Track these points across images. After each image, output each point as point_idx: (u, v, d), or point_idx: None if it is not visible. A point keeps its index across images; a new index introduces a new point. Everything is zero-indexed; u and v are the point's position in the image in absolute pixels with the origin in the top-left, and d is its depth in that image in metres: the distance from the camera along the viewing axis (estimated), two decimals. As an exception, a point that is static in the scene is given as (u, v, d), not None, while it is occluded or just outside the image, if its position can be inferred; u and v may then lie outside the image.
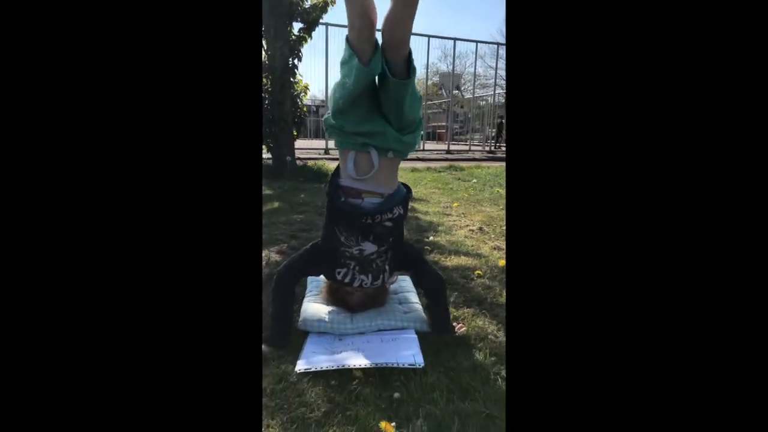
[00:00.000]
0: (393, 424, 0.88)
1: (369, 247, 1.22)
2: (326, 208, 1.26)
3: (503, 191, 3.75)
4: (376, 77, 1.12)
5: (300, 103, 4.60)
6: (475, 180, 4.43)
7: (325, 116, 1.27)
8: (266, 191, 3.48)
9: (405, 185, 1.32)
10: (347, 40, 1.10)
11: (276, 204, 2.97)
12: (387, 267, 1.30)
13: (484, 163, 7.26)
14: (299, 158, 4.75)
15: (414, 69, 1.12)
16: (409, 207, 1.38)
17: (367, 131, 1.18)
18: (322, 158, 6.24)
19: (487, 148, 10.71)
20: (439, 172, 5.53)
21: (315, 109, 13.20)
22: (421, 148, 9.79)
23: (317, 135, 12.84)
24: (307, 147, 7.53)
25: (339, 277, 1.28)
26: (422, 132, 1.29)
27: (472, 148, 10.85)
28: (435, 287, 1.30)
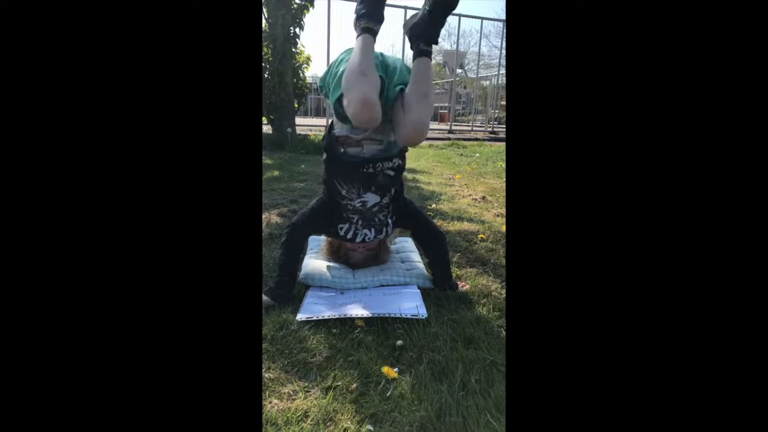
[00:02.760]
0: (396, 369, 0.86)
1: (372, 198, 1.19)
2: (325, 162, 1.22)
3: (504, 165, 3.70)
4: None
5: (302, 74, 4.51)
6: (477, 155, 4.37)
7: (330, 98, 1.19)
8: (266, 161, 3.43)
9: None
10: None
11: (276, 173, 2.93)
12: (389, 221, 1.27)
13: (486, 143, 7.19)
14: (300, 134, 4.69)
15: None
16: (412, 178, 1.33)
17: None
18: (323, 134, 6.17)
19: (490, 129, 10.60)
20: (441, 149, 5.47)
21: (317, 87, 13.00)
22: (423, 127, 9.65)
23: (318, 113, 12.70)
24: (308, 124, 7.44)
25: (342, 233, 1.25)
26: None
27: (475, 128, 10.74)
28: (436, 241, 1.27)
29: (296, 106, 4.50)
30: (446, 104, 13.13)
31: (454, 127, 9.96)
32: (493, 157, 4.36)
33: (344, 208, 1.22)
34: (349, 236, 1.25)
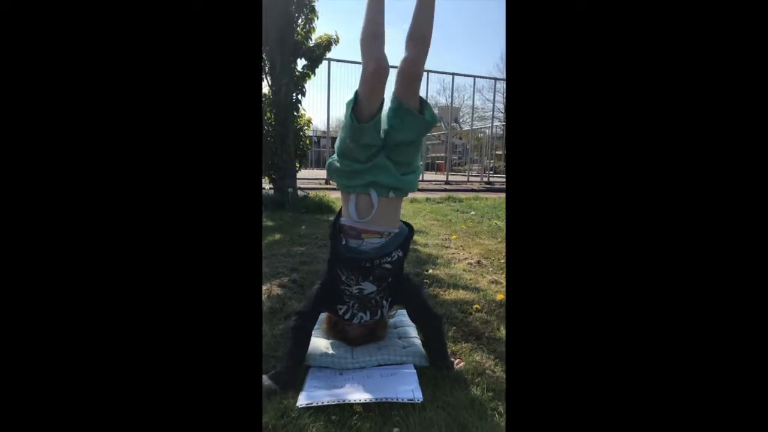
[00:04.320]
0: (392, 460, 0.90)
1: (368, 287, 1.27)
2: (330, 248, 1.31)
3: (501, 223, 3.80)
4: (392, 112, 1.22)
5: (303, 136, 4.73)
6: (473, 212, 4.49)
7: (329, 160, 1.33)
8: (268, 223, 3.53)
9: (407, 224, 1.37)
10: (356, 93, 1.18)
11: (277, 236, 3.02)
12: (385, 303, 1.34)
13: (482, 194, 7.37)
14: (300, 188, 4.86)
15: (429, 109, 1.23)
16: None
17: (372, 167, 1.23)
18: (323, 188, 6.43)
19: (485, 179, 10.86)
20: (438, 203, 5.61)
21: (317, 140, 13.48)
22: (420, 178, 9.92)
23: (318, 165, 13.02)
24: (308, 177, 7.67)
25: (340, 313, 1.32)
26: (421, 171, 1.35)
27: (471, 178, 11.00)
28: (431, 323, 1.32)
29: (297, 165, 4.67)
30: (442, 154, 13.51)
31: (450, 178, 10.23)
32: (489, 214, 4.48)
33: (343, 292, 1.29)
34: (346, 317, 1.32)
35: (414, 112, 1.20)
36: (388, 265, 1.25)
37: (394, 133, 1.23)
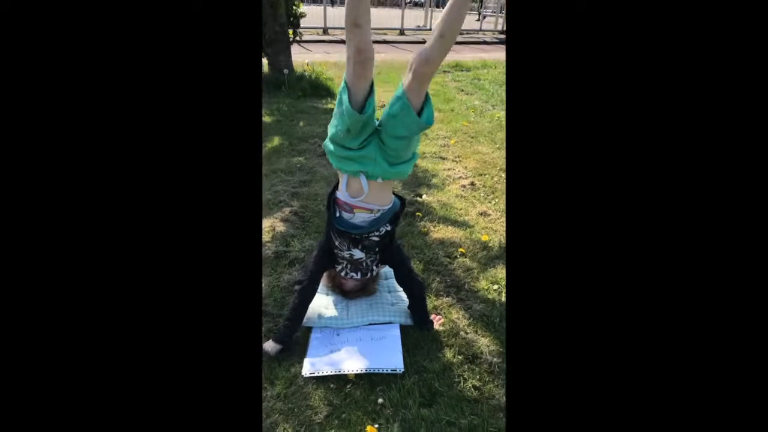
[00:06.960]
0: (376, 426, 1.19)
1: (358, 254, 1.45)
2: (326, 216, 1.45)
3: (502, 116, 3.71)
4: (395, 99, 1.22)
5: (296, 2, 4.21)
6: (477, 102, 4.29)
7: (324, 142, 1.37)
8: (265, 118, 3.45)
9: (400, 198, 1.46)
10: (345, 78, 1.19)
11: (275, 141, 3.02)
12: (375, 267, 1.53)
13: (491, 56, 6.85)
14: (300, 42, 4.48)
15: (430, 109, 1.22)
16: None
17: (361, 156, 1.29)
18: (322, 40, 5.96)
19: (500, 29, 9.86)
20: (444, 71, 5.32)
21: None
22: (428, 24, 9.04)
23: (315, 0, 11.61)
24: (304, 26, 6.97)
25: (337, 270, 1.53)
26: (416, 159, 1.40)
27: (483, 26, 9.98)
28: (414, 290, 1.52)
29: (291, 36, 4.28)
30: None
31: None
32: (493, 98, 4.31)
33: (337, 254, 1.48)
34: (342, 274, 1.54)
35: (412, 111, 1.20)
36: (375, 238, 1.40)
37: (389, 122, 1.25)
